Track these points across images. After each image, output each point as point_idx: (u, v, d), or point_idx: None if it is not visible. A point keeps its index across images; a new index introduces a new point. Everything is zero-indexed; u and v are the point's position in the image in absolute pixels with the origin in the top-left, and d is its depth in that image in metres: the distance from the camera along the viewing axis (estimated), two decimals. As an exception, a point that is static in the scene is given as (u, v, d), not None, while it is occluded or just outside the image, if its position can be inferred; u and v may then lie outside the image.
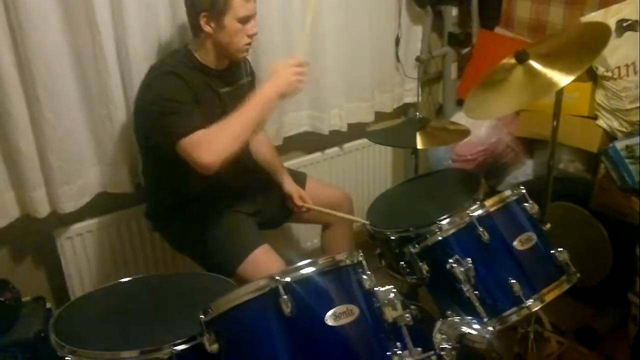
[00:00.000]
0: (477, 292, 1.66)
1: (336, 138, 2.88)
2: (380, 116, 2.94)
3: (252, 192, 2.27)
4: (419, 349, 1.42)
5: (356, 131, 2.84)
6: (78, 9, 2.02)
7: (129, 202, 2.39)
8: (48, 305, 2.17)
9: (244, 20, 1.96)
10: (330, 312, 1.33)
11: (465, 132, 2.23)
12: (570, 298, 2.16)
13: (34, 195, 2.12)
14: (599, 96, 2.52)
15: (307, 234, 2.88)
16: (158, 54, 2.18)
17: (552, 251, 1.75)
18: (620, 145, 2.40)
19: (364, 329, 1.39)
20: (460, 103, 3.10)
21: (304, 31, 2.06)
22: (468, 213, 1.70)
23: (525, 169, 2.88)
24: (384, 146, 3.01)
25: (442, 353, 1.48)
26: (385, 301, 1.41)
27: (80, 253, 2.31)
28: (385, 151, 3.10)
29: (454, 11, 3.02)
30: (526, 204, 1.78)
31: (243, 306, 1.35)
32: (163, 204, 2.19)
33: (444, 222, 1.72)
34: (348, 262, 1.43)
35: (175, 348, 1.42)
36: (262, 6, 2.06)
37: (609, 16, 2.44)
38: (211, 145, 1.83)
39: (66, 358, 1.43)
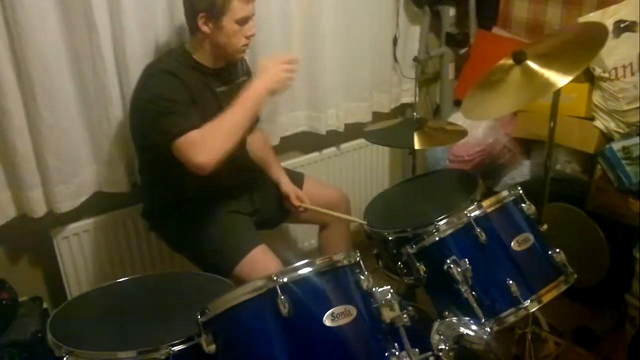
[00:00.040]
0: (474, 292, 1.66)
1: (333, 138, 2.88)
2: (377, 116, 2.94)
3: (250, 192, 2.27)
4: (417, 349, 1.42)
5: (354, 131, 2.84)
6: (76, 9, 2.02)
7: (126, 202, 2.38)
8: (45, 305, 2.17)
9: (242, 21, 1.95)
10: (328, 313, 1.34)
11: (462, 133, 2.23)
12: (568, 299, 2.17)
13: (31, 194, 2.12)
14: (596, 97, 2.52)
15: (305, 234, 2.88)
16: (155, 54, 2.17)
17: (549, 252, 1.75)
18: (617, 146, 2.41)
19: (362, 330, 1.39)
20: (457, 103, 3.10)
21: (295, 27, 2.05)
22: (465, 213, 1.70)
23: (522, 170, 2.88)
24: (382, 146, 3.01)
25: (439, 354, 1.48)
26: (383, 302, 1.41)
27: (77, 253, 2.31)
28: (382, 151, 3.10)
29: (452, 11, 3.02)
30: (523, 205, 1.79)
31: (240, 307, 1.35)
32: (159, 204, 2.18)
33: (441, 222, 1.72)
34: (345, 262, 1.44)
35: (172, 348, 1.41)
36: (262, 6, 2.06)
37: (607, 17, 2.45)
38: (205, 145, 1.83)
39: (63, 358, 1.43)
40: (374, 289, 1.43)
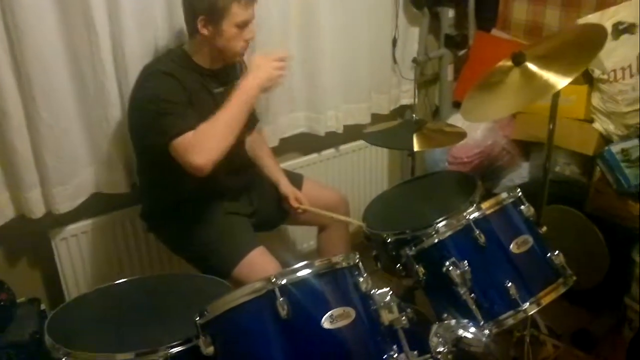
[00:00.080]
0: (473, 295, 1.66)
1: (332, 139, 2.88)
2: (376, 118, 2.94)
3: (248, 194, 2.26)
4: (415, 352, 1.42)
5: (353, 133, 2.84)
6: (75, 9, 2.01)
7: (124, 203, 2.38)
8: (43, 306, 2.16)
9: (242, 25, 1.95)
10: (326, 315, 1.33)
11: (461, 135, 2.23)
12: (566, 301, 2.17)
13: (29, 195, 2.11)
14: (595, 99, 2.52)
15: (304, 236, 2.88)
16: (154, 54, 2.17)
17: (548, 254, 1.75)
18: (616, 148, 2.41)
19: (361, 332, 1.39)
20: (456, 105, 3.10)
21: (289, 25, 2.05)
22: (465, 215, 1.70)
23: (521, 172, 2.88)
24: (381, 148, 3.01)
25: (438, 356, 1.48)
26: (382, 304, 1.41)
27: (76, 254, 2.31)
28: (381, 153, 3.10)
29: (451, 13, 3.03)
30: (522, 207, 1.79)
31: (239, 308, 1.35)
32: (158, 205, 2.18)
33: (440, 224, 1.72)
34: (344, 264, 1.44)
35: (170, 350, 1.41)
36: (261, 7, 2.05)
37: (606, 19, 2.45)
38: (202, 147, 1.83)
39: (61, 360, 1.43)
40: (372, 291, 1.43)
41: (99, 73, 2.10)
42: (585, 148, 2.55)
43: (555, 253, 1.75)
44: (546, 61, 1.89)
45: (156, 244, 2.41)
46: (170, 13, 2.19)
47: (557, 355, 2.13)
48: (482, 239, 1.67)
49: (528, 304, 1.66)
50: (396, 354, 1.39)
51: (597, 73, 2.47)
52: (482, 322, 1.64)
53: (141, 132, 2.02)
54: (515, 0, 2.99)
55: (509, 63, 1.96)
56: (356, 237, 2.34)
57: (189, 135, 1.84)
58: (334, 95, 2.77)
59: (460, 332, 1.56)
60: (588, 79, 2.52)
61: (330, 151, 2.92)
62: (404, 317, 1.41)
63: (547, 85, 1.81)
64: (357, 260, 1.46)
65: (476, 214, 1.70)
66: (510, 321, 1.66)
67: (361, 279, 1.43)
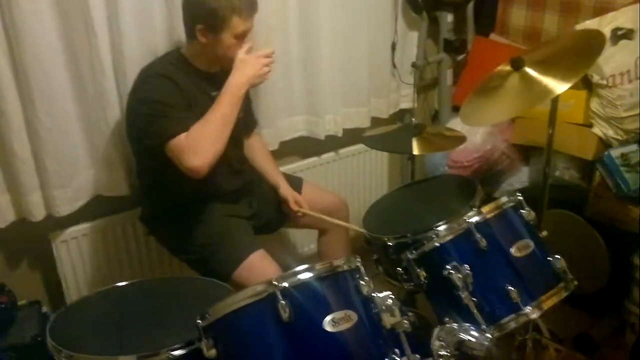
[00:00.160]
0: (475, 298, 1.66)
1: (332, 143, 2.89)
2: (376, 122, 2.95)
3: (248, 196, 2.26)
4: (417, 355, 1.42)
5: (352, 136, 2.84)
6: (74, 12, 2.02)
7: (125, 206, 2.38)
8: (44, 309, 2.16)
9: (241, 35, 1.95)
10: (328, 318, 1.34)
11: (461, 139, 2.23)
12: (568, 306, 2.16)
13: (30, 198, 2.11)
14: (594, 104, 2.53)
15: (304, 239, 2.88)
16: (153, 57, 2.16)
17: (549, 258, 1.75)
18: (615, 153, 2.42)
19: (362, 335, 1.39)
20: (455, 109, 3.10)
21: (273, 21, 2.05)
22: (465, 219, 1.70)
23: (521, 176, 2.89)
24: (380, 152, 3.01)
25: (440, 360, 1.48)
26: (383, 307, 1.41)
27: (76, 257, 2.30)
28: (381, 157, 3.11)
29: (450, 17, 3.03)
30: (523, 211, 1.79)
31: (241, 311, 1.35)
32: (158, 208, 2.18)
33: (441, 228, 1.72)
34: (346, 267, 1.44)
35: (172, 353, 1.41)
36: (261, 11, 2.06)
37: (604, 24, 2.46)
38: (196, 149, 1.83)
39: (62, 363, 1.43)
40: (374, 295, 1.43)
41: (98, 75, 2.10)
42: (584, 153, 2.56)
43: (557, 257, 1.74)
44: (545, 66, 1.90)
45: (156, 246, 2.41)
46: (169, 16, 2.20)
47: (559, 359, 2.13)
48: (483, 242, 1.67)
49: (530, 308, 1.66)
50: (398, 358, 1.39)
51: (596, 78, 2.47)
52: (483, 326, 1.63)
53: (138, 135, 2.02)
54: (514, 6, 3.00)
55: (508, 68, 1.97)
56: (357, 241, 2.34)
57: (182, 137, 1.84)
58: (333, 99, 2.78)
59: (462, 335, 1.56)
60: (587, 84, 2.53)
61: (330, 155, 2.93)
62: (405, 321, 1.41)
63: (546, 90, 1.82)
64: (358, 264, 1.47)
65: (477, 218, 1.70)
66: (512, 325, 1.65)
67: (363, 282, 1.44)
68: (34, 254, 2.32)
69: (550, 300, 1.69)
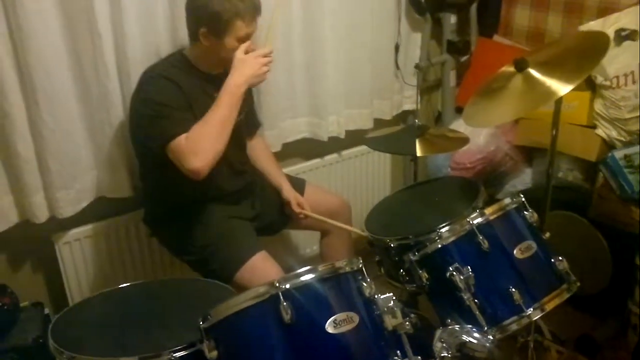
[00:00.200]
0: (477, 300, 1.65)
1: (335, 145, 2.88)
2: (379, 123, 2.95)
3: (250, 198, 2.27)
4: (419, 357, 1.42)
5: (355, 138, 2.84)
6: (78, 13, 2.02)
7: (128, 207, 2.38)
8: (46, 310, 2.16)
9: (245, 38, 1.95)
10: (330, 320, 1.33)
11: (464, 140, 2.23)
12: (570, 307, 2.16)
13: (33, 200, 2.12)
14: (598, 105, 2.52)
15: (306, 241, 2.88)
16: (156, 58, 2.17)
17: (552, 260, 1.75)
18: (618, 154, 2.41)
19: (364, 337, 1.38)
20: (459, 111, 3.10)
21: (271, 20, 2.05)
22: (468, 221, 1.69)
23: (524, 178, 2.88)
24: (383, 153, 3.01)
25: (442, 361, 1.48)
26: (385, 309, 1.41)
27: (79, 258, 2.31)
28: (384, 158, 3.10)
29: (453, 19, 3.03)
30: (526, 213, 1.78)
31: (243, 313, 1.35)
32: (160, 209, 2.18)
33: (443, 229, 1.72)
34: (348, 269, 1.43)
35: (174, 354, 1.41)
36: (264, 13, 2.05)
37: (608, 25, 2.45)
38: (196, 150, 1.83)
39: (65, 364, 1.43)
40: (376, 296, 1.43)
41: (102, 76, 2.11)
42: (588, 154, 2.55)
43: (559, 259, 1.74)
44: (549, 67, 1.89)
45: (159, 248, 2.42)
46: (172, 17, 2.20)
47: (561, 360, 2.13)
48: (485, 244, 1.67)
49: (532, 309, 1.65)
50: (400, 359, 1.38)
51: (599, 79, 2.47)
52: (485, 328, 1.63)
53: (139, 136, 2.03)
54: (518, 7, 3.00)
55: (512, 69, 1.97)
56: (359, 243, 2.34)
57: (183, 138, 1.84)
58: (336, 100, 2.78)
59: (464, 337, 1.55)
60: (590, 85, 2.53)
61: (332, 156, 2.92)
62: (407, 322, 1.41)
63: (549, 92, 1.81)
64: (360, 265, 1.46)
65: (480, 220, 1.70)
66: (514, 327, 1.65)
67: (365, 284, 1.43)
68: (37, 256, 2.33)
69: (552, 302, 1.69)
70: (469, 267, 1.66)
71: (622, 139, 2.47)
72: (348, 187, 3.01)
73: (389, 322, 1.40)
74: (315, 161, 2.89)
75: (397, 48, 2.94)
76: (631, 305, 2.36)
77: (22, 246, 2.28)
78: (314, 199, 2.36)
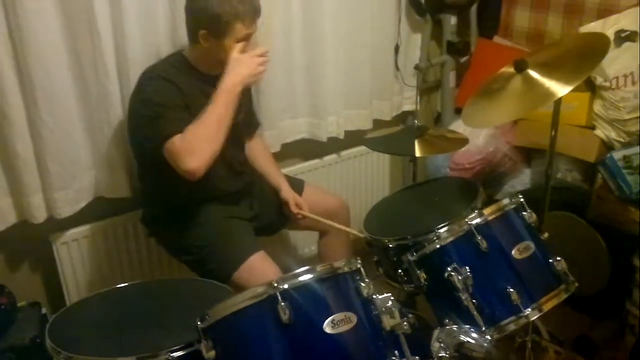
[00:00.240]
0: (475, 300, 1.65)
1: (334, 145, 2.88)
2: (378, 124, 2.95)
3: (248, 198, 2.26)
4: (417, 357, 1.42)
5: (354, 138, 2.84)
6: (78, 13, 2.02)
7: (126, 208, 2.38)
8: (44, 310, 2.16)
9: (244, 39, 1.94)
10: (328, 320, 1.33)
11: (463, 141, 2.23)
12: (568, 307, 2.16)
13: (31, 200, 2.11)
14: (597, 106, 2.53)
15: (305, 241, 2.88)
16: (156, 59, 2.17)
17: (550, 260, 1.75)
18: (617, 155, 2.41)
19: (362, 337, 1.38)
20: (458, 111, 3.10)
21: (268, 20, 2.04)
22: (466, 221, 1.69)
23: (523, 178, 2.88)
24: (382, 154, 3.01)
25: (439, 362, 1.48)
26: (383, 309, 1.41)
27: (77, 258, 2.30)
28: (383, 159, 3.10)
29: (453, 20, 3.03)
30: (524, 213, 1.78)
31: (240, 313, 1.34)
32: (158, 209, 2.18)
33: (442, 230, 1.72)
34: (346, 269, 1.43)
35: (172, 354, 1.41)
36: (264, 13, 2.05)
37: (608, 27, 2.46)
38: (192, 150, 1.82)
39: (62, 364, 1.42)
40: (374, 296, 1.42)
41: (102, 76, 2.11)
42: (586, 155, 2.56)
43: (557, 259, 1.74)
44: (548, 69, 1.89)
45: (157, 248, 2.41)
46: (172, 17, 2.20)
47: (559, 361, 2.13)
48: (483, 244, 1.67)
49: (530, 309, 1.66)
50: (398, 359, 1.38)
51: (599, 80, 2.47)
52: (483, 328, 1.63)
53: (138, 136, 2.02)
54: (518, 8, 3.00)
55: (511, 70, 1.97)
56: (357, 243, 2.33)
57: (178, 138, 1.83)
58: (335, 101, 2.78)
59: (462, 337, 1.55)
60: (590, 86, 2.53)
61: (332, 157, 2.92)
62: (405, 323, 1.41)
63: (548, 93, 1.81)
64: (358, 266, 1.46)
65: (478, 220, 1.70)
66: (512, 327, 1.65)
67: (363, 284, 1.43)
68: (35, 256, 2.32)
69: (550, 302, 1.69)
70: (467, 268, 1.66)
71: (621, 140, 2.48)
72: (347, 188, 3.00)
73: (387, 322, 1.40)
74: (315, 162, 2.89)
75: (397, 49, 2.94)
76: (629, 306, 2.36)
77: (19, 246, 2.27)
78: (312, 200, 2.36)
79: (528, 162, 2.90)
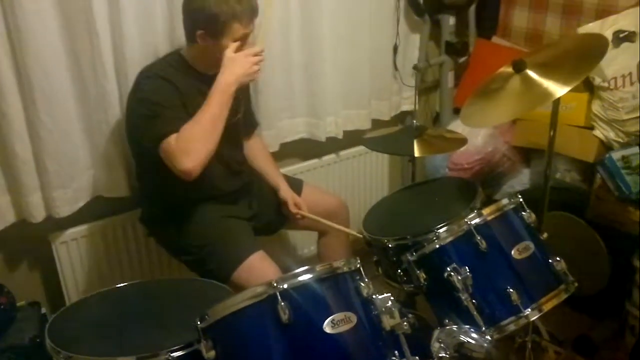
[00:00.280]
0: (474, 300, 1.65)
1: (333, 145, 2.88)
2: (377, 124, 2.95)
3: (247, 197, 2.26)
4: (417, 357, 1.42)
5: (353, 138, 2.84)
6: (77, 14, 2.02)
7: (125, 207, 2.37)
8: (43, 310, 2.16)
9: (242, 39, 1.94)
10: (328, 320, 1.33)
11: (462, 141, 2.23)
12: (568, 308, 2.16)
13: (30, 199, 2.11)
14: (596, 106, 2.53)
15: (304, 241, 2.88)
16: (154, 58, 2.17)
17: (549, 260, 1.75)
18: (616, 155, 2.41)
19: (362, 337, 1.38)
20: (457, 111, 3.10)
21: (264, 19, 2.04)
22: (466, 221, 1.69)
23: (522, 178, 2.88)
24: (381, 154, 3.01)
25: (439, 362, 1.48)
26: (383, 309, 1.41)
27: (76, 258, 2.30)
28: (382, 159, 3.10)
29: (452, 20, 3.03)
30: (524, 213, 1.79)
31: (240, 313, 1.34)
32: (157, 209, 2.18)
33: (441, 230, 1.72)
34: (346, 269, 1.43)
35: (171, 354, 1.41)
36: (261, 12, 2.06)
37: (606, 27, 2.46)
38: (187, 150, 1.82)
39: (61, 364, 1.42)
40: (374, 296, 1.42)
41: (100, 76, 2.10)
42: (585, 155, 2.56)
43: (557, 259, 1.74)
44: (547, 69, 1.89)
45: (156, 248, 2.41)
46: (170, 17, 2.20)
47: (559, 361, 2.13)
48: (483, 244, 1.67)
49: (530, 310, 1.66)
50: (397, 359, 1.38)
51: (597, 81, 2.47)
52: (483, 328, 1.63)
53: (135, 135, 2.02)
54: (516, 8, 3.00)
55: (510, 70, 1.97)
56: (357, 243, 2.33)
57: (173, 138, 1.83)
58: (334, 101, 2.78)
59: (462, 337, 1.55)
60: (588, 87, 2.53)
61: (330, 157, 2.92)
62: (405, 323, 1.41)
63: (547, 93, 1.81)
64: (358, 265, 1.46)
65: (477, 220, 1.70)
66: (512, 327, 1.65)
67: (362, 284, 1.43)
68: (34, 255, 2.32)
69: (550, 302, 1.69)
70: (466, 268, 1.66)
71: (620, 140, 2.48)
72: (346, 188, 3.00)
73: (387, 322, 1.40)
74: (313, 161, 2.88)
75: (395, 49, 2.94)
76: (629, 307, 2.36)
77: (18, 246, 2.27)
78: (311, 199, 2.36)
79: (527, 162, 2.90)
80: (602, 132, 2.52)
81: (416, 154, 2.16)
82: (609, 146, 2.51)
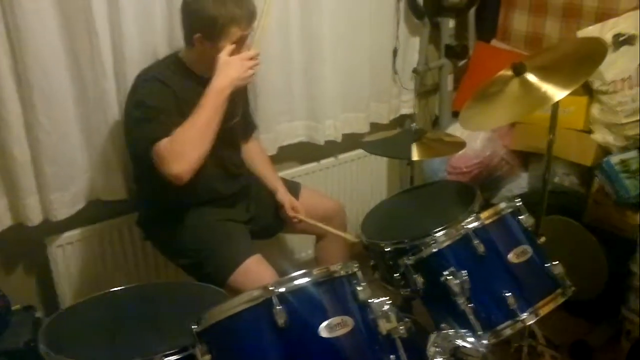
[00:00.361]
0: (471, 305, 1.65)
1: (331, 148, 2.88)
2: (376, 127, 2.94)
3: (245, 200, 2.26)
4: (413, 361, 1.41)
5: (352, 141, 2.83)
6: (76, 13, 2.02)
7: (121, 210, 2.37)
8: (38, 314, 2.14)
9: (240, 42, 1.93)
10: (324, 324, 1.33)
11: (460, 144, 2.23)
12: (565, 312, 2.15)
13: (27, 202, 2.11)
14: (594, 110, 2.52)
15: (301, 245, 2.87)
16: (153, 60, 2.16)
17: (547, 264, 1.74)
18: (615, 159, 2.41)
19: (358, 341, 1.38)
20: (456, 115, 3.08)
21: (260, 22, 2.03)
22: (463, 225, 1.69)
23: (520, 182, 2.88)
24: (380, 157, 3.01)
25: (436, 366, 1.47)
26: (380, 313, 1.40)
27: (71, 261, 2.29)
28: (380, 162, 3.10)
29: (451, 23, 3.04)
30: (521, 217, 1.78)
31: (236, 317, 1.34)
32: (153, 212, 2.17)
33: (439, 234, 1.72)
34: (343, 273, 1.43)
35: (166, 359, 1.40)
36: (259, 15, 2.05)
37: (606, 30, 2.45)
38: (178, 154, 1.81)
39: (56, 368, 1.41)
40: (371, 300, 1.42)
41: (99, 76, 2.10)
42: (584, 159, 2.55)
43: (554, 263, 1.74)
44: (546, 72, 1.89)
45: (153, 251, 2.40)
46: (170, 17, 2.19)
47: (555, 366, 2.12)
48: (480, 248, 1.66)
49: (526, 314, 1.65)
50: (394, 364, 1.38)
51: (596, 84, 2.47)
52: (480, 332, 1.63)
53: (129, 138, 2.02)
54: (516, 11, 3.00)
55: (509, 73, 1.97)
56: (354, 247, 2.33)
57: (165, 142, 1.82)
58: (333, 104, 2.77)
59: (458, 342, 1.55)
60: (587, 90, 2.53)
61: (329, 160, 2.92)
62: (402, 327, 1.41)
63: (546, 96, 1.81)
64: (355, 269, 1.45)
65: (475, 224, 1.69)
66: (508, 331, 1.65)
67: (359, 288, 1.42)
68: (30, 259, 2.31)
69: (547, 307, 1.69)
70: (464, 272, 1.65)
71: (619, 144, 2.47)
72: (344, 191, 3.00)
73: (384, 327, 1.39)
74: (312, 165, 2.88)
75: (395, 52, 2.94)
76: (625, 312, 2.35)
77: (14, 249, 2.26)
78: (309, 203, 2.35)
79: (525, 166, 2.90)
80: (600, 135, 2.51)
81: (415, 157, 2.15)
82: (607, 150, 2.51)
